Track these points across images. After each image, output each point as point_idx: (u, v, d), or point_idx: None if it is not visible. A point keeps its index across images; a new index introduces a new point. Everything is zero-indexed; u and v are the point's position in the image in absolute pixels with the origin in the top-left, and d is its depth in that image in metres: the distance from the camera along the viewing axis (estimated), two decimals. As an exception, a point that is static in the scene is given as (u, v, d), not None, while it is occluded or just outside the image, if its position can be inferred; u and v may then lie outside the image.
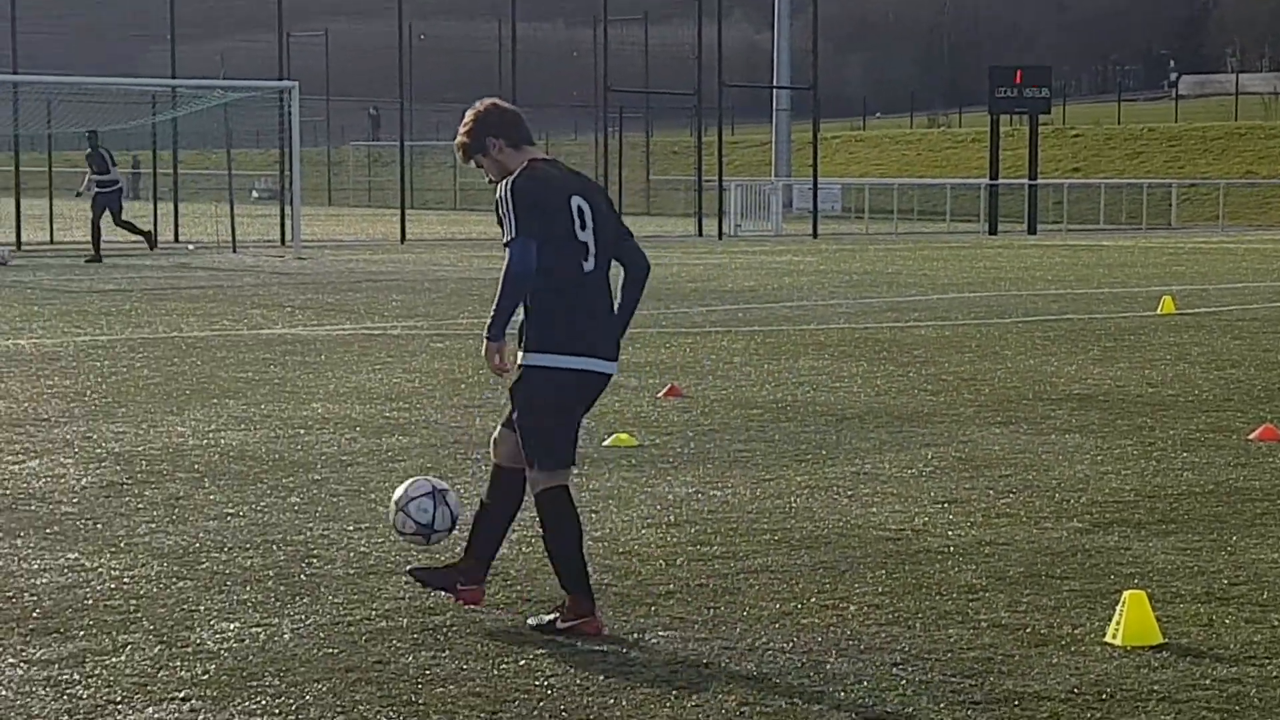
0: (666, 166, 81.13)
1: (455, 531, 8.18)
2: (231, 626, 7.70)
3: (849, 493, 10.96)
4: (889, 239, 53.76)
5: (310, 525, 9.84)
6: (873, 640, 7.56)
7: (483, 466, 11.67)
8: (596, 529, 9.75)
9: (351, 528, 9.76)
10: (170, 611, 7.95)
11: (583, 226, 7.60)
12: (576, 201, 7.60)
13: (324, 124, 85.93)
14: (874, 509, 10.46)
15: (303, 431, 13.20)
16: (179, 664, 7.12)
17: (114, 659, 7.18)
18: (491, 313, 7.47)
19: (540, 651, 7.35)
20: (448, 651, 7.34)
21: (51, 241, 43.02)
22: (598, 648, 7.39)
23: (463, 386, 15.84)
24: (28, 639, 7.46)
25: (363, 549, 9.25)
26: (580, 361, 7.61)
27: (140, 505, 10.36)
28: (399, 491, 8.15)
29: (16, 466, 11.61)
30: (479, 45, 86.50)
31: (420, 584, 8.04)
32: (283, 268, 34.95)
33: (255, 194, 78.71)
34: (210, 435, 12.97)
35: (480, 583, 7.94)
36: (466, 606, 7.93)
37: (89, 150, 36.66)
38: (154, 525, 9.81)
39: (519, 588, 8.41)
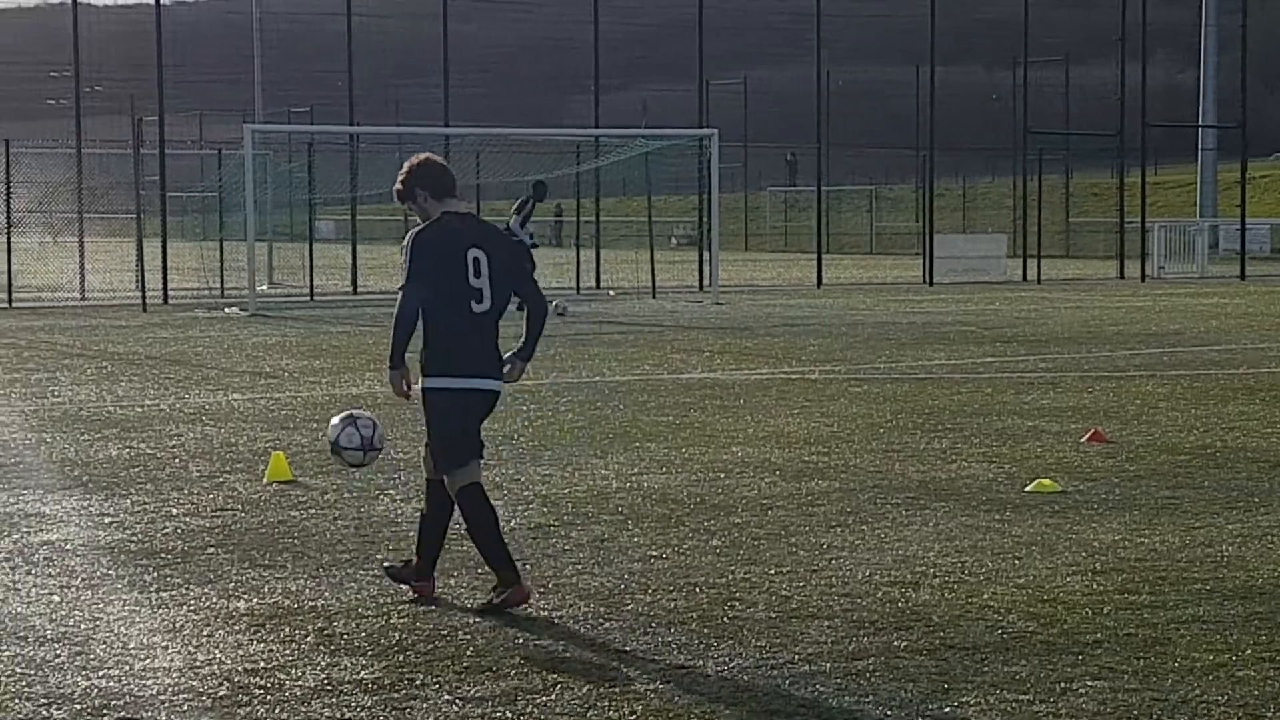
0: (1086, 208, 79.83)
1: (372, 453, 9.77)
2: (657, 668, 7.79)
3: (1284, 542, 10.60)
4: (1321, 280, 51.92)
5: (732, 568, 9.90)
6: (1313, 696, 7.28)
7: (902, 511, 11.64)
8: (1020, 576, 9.62)
9: (773, 571, 9.79)
10: (598, 652, 8.08)
11: (476, 274, 9.05)
12: (473, 253, 9.06)
13: (741, 170, 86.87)
14: (1311, 559, 10.09)
15: (723, 475, 13.30)
16: (607, 704, 7.22)
17: (544, 698, 7.32)
18: (390, 347, 9.06)
19: (966, 699, 7.26)
20: (871, 697, 7.31)
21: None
22: (1023, 697, 7.27)
23: (881, 431, 15.78)
24: (462, 676, 7.67)
25: (784, 592, 9.27)
26: (457, 381, 9.05)
27: (567, 547, 10.57)
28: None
29: (448, 507, 11.93)
30: (897, 90, 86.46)
31: (390, 578, 9.36)
32: (701, 312, 35.32)
33: (674, 240, 79.82)
34: (633, 478, 13.16)
35: (429, 579, 9.25)
36: (421, 600, 9.11)
37: (532, 200, 34.89)
38: (580, 567, 9.99)
39: (942, 634, 8.33)
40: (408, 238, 9.11)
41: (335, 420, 9.89)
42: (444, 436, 9.11)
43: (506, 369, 9.28)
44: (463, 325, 9.05)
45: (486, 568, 9.91)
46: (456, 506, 9.15)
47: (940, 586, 9.36)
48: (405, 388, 9.16)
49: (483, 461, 9.29)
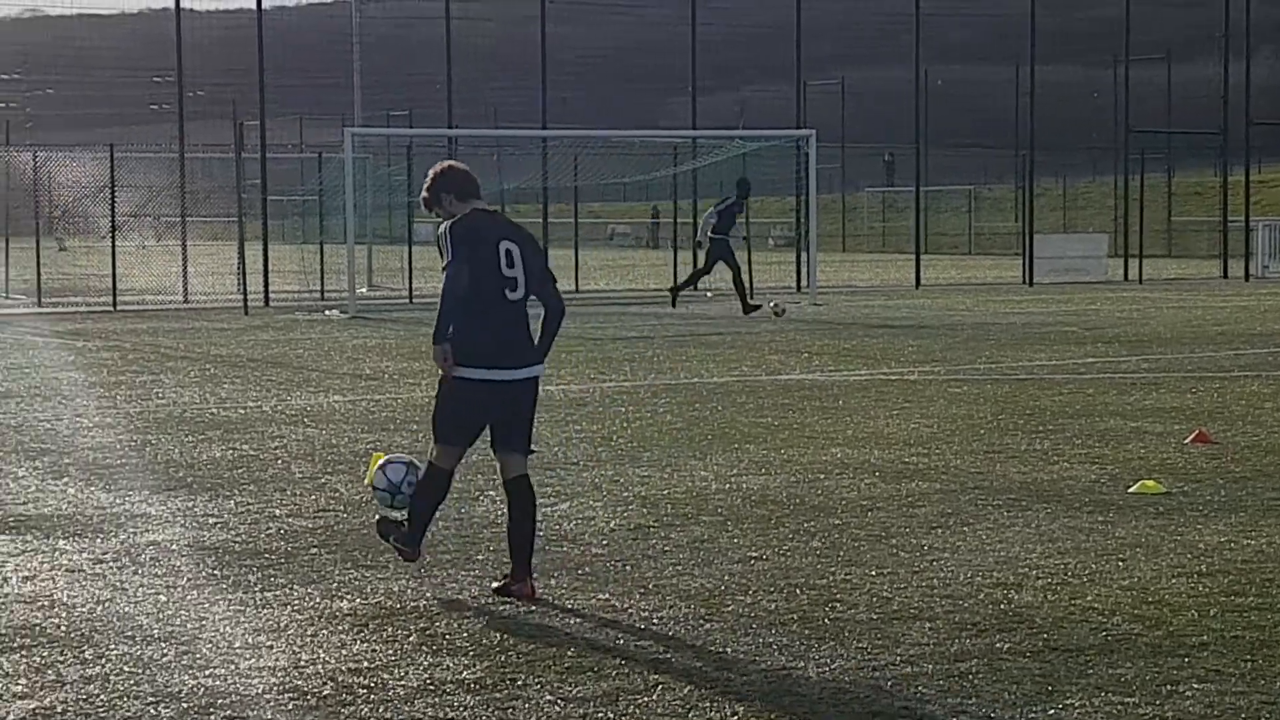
0: (1189, 207, 79.12)
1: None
2: (758, 669, 7.78)
3: (1393, 544, 10.47)
4: None
5: (832, 569, 9.88)
6: None
7: (1004, 512, 11.58)
8: (1124, 577, 9.54)
9: (873, 572, 9.76)
10: (698, 653, 8.09)
11: (510, 264, 9.28)
12: (505, 245, 9.30)
13: (839, 171, 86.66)
14: None
15: (822, 476, 13.27)
16: (708, 705, 7.22)
17: (645, 698, 7.33)
18: (435, 323, 9.23)
19: (1070, 701, 7.21)
20: (974, 699, 7.27)
21: (576, 290, 44.28)
22: (1129, 699, 7.22)
23: (981, 432, 15.70)
24: (563, 677, 7.69)
25: (885, 594, 9.24)
26: (478, 372, 9.25)
27: (666, 548, 10.57)
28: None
29: (548, 509, 11.96)
30: (996, 89, 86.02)
31: (498, 592, 9.35)
32: (799, 313, 35.25)
33: (772, 241, 79.69)
34: (732, 479, 13.15)
35: (525, 580, 9.28)
36: (526, 599, 9.18)
37: (740, 200, 35.50)
38: (680, 568, 10.00)
39: (1045, 636, 8.28)
40: (442, 228, 9.31)
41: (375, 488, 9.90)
42: (455, 415, 9.42)
43: None
44: (494, 316, 9.25)
45: (586, 569, 9.95)
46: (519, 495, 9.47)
47: (1043, 588, 9.30)
48: (449, 362, 9.28)
49: (534, 455, 9.75)
